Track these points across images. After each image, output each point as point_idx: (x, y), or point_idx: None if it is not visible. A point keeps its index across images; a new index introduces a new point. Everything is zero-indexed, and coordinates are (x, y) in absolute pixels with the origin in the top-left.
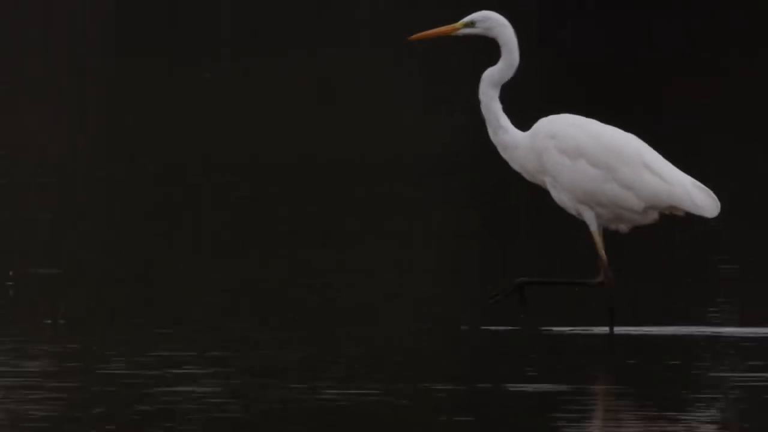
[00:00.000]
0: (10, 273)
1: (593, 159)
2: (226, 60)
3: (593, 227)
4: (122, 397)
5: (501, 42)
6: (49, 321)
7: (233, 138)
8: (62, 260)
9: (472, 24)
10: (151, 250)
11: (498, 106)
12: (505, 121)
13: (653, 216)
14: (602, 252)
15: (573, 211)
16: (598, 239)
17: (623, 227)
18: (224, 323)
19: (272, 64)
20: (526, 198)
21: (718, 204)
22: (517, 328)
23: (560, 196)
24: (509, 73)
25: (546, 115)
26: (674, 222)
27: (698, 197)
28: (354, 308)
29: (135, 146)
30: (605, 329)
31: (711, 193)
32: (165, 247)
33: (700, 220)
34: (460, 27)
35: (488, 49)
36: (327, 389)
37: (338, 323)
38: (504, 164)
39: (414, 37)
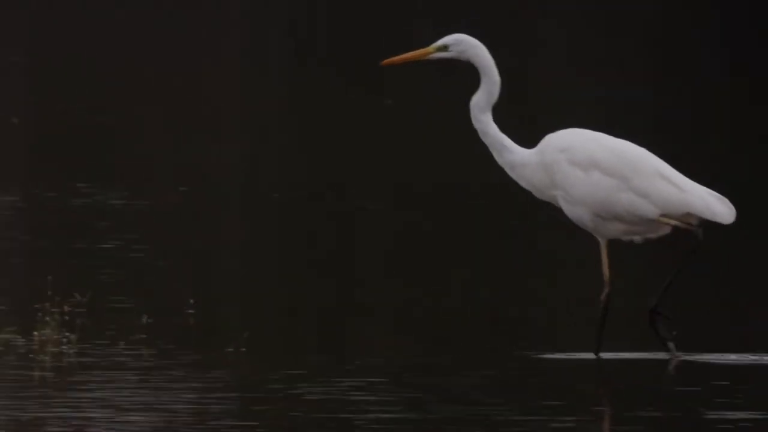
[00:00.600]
0: (191, 301)
1: (607, 169)
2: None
3: (603, 242)
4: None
5: (477, 64)
6: (231, 348)
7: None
8: (244, 286)
9: (445, 48)
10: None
11: (495, 129)
12: (507, 141)
13: (666, 228)
14: (606, 269)
15: (589, 224)
16: (605, 256)
17: (637, 238)
18: (409, 347)
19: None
20: None
21: (734, 211)
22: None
23: (573, 210)
24: (495, 93)
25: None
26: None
27: (713, 204)
28: None
29: (294, 167)
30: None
31: (726, 200)
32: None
33: (716, 226)
34: (432, 51)
35: None
36: None
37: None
38: None
39: (386, 62)
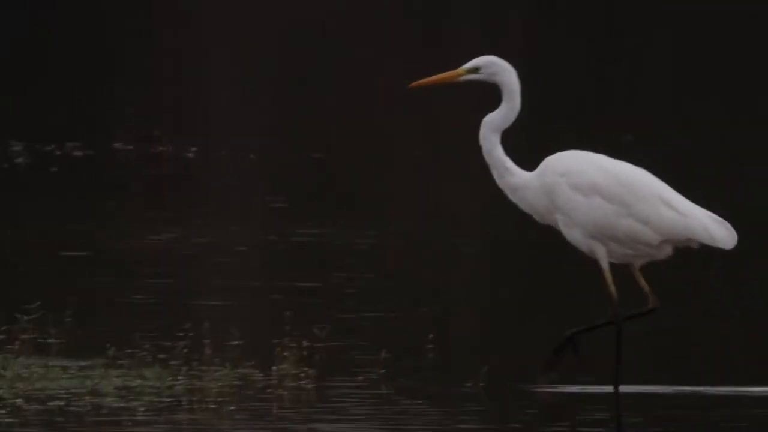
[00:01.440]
0: None
1: (608, 195)
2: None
3: (604, 264)
4: None
5: (504, 88)
6: (469, 384)
7: None
8: (482, 320)
9: (476, 70)
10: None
11: (500, 151)
12: (510, 163)
13: (668, 250)
14: (612, 289)
15: (585, 248)
16: (608, 276)
17: (638, 261)
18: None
19: None
20: None
21: (735, 236)
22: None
23: (572, 233)
24: (511, 118)
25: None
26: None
27: (714, 229)
28: None
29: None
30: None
31: (728, 224)
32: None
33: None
34: (463, 73)
35: None
36: None
37: None
38: None
39: (415, 84)
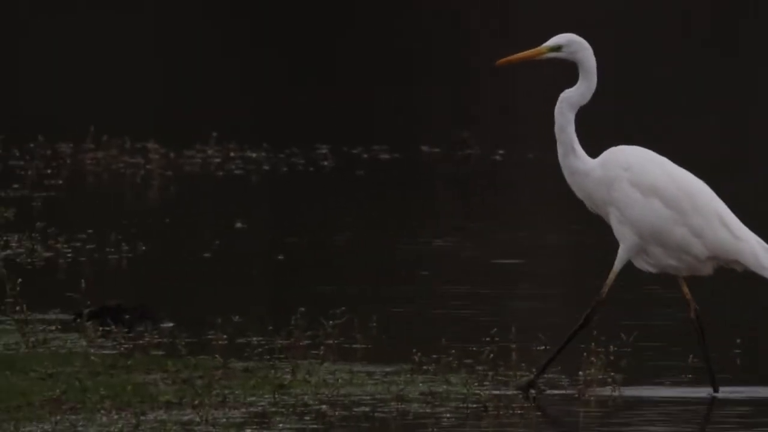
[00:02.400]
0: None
1: (667, 199)
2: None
3: (618, 267)
4: None
5: (583, 65)
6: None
7: None
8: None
9: (558, 48)
10: None
11: (572, 130)
12: (578, 145)
13: (710, 268)
14: (607, 289)
15: (627, 249)
16: (613, 279)
17: (679, 273)
18: None
19: None
20: None
21: None
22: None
23: (622, 231)
24: (588, 97)
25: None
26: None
27: (763, 257)
28: None
29: None
30: None
31: None
32: None
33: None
34: (545, 51)
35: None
36: None
37: None
38: None
39: (501, 61)
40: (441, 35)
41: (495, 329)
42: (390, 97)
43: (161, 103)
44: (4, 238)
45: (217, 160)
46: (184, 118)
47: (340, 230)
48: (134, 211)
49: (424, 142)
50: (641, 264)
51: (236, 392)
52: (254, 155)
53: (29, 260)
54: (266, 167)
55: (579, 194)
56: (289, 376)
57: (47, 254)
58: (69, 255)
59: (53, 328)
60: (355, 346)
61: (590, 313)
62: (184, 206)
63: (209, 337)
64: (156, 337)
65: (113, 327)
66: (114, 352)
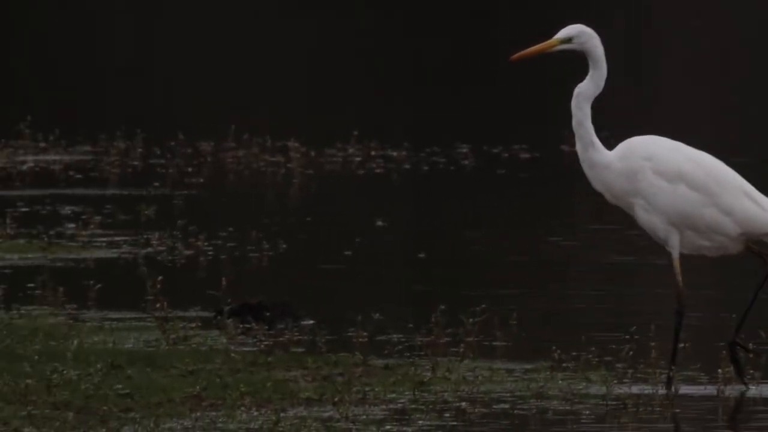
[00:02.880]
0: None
1: (694, 183)
2: None
3: (675, 253)
4: None
5: (593, 55)
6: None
7: None
8: None
9: (569, 40)
10: None
11: (590, 123)
12: (596, 139)
13: (741, 245)
14: (680, 278)
15: (661, 235)
16: (678, 266)
17: (711, 254)
18: None
19: None
20: None
21: None
22: None
23: (650, 219)
24: (601, 86)
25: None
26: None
27: None
28: None
29: None
30: None
31: None
32: None
33: None
34: (556, 43)
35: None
36: None
37: None
38: None
39: (515, 56)
40: None
41: (634, 327)
42: (529, 96)
43: (302, 101)
44: (146, 236)
45: (358, 158)
46: (325, 117)
47: (481, 228)
48: (275, 210)
49: (564, 141)
50: (673, 248)
51: (376, 389)
52: (395, 154)
53: (170, 258)
54: (407, 166)
55: (598, 187)
56: (429, 374)
57: (188, 252)
58: (210, 253)
59: (194, 325)
60: (495, 343)
61: (680, 305)
62: (324, 204)
63: (349, 334)
64: (296, 334)
65: (254, 324)
66: (254, 349)
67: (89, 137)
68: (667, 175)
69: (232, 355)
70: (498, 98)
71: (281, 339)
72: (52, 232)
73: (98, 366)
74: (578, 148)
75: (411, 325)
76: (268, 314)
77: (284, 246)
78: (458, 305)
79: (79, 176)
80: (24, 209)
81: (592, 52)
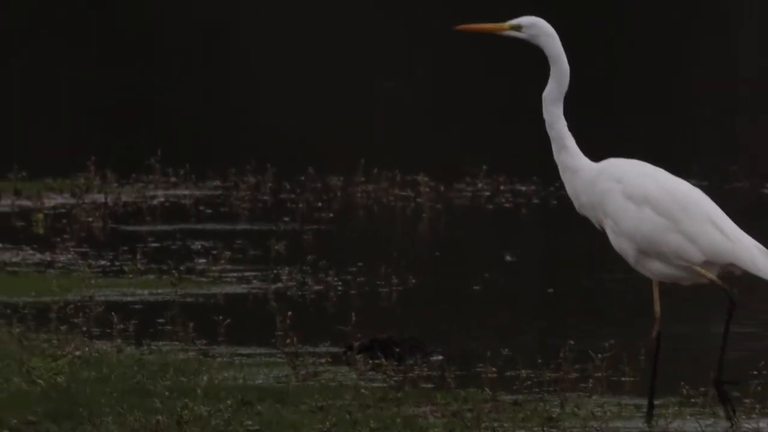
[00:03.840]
0: None
1: (659, 207)
2: None
3: (653, 278)
4: None
5: (547, 52)
6: None
7: None
8: None
9: (518, 27)
10: None
11: (562, 125)
12: (570, 141)
13: (710, 274)
14: (657, 306)
15: (631, 260)
16: (656, 292)
17: (682, 282)
18: None
19: None
20: None
21: None
22: None
23: (620, 242)
24: (564, 83)
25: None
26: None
27: (760, 260)
28: None
29: None
30: None
31: None
32: None
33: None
34: (507, 28)
35: None
36: None
37: None
38: None
39: (461, 27)
40: (713, 64)
41: (762, 362)
42: (660, 127)
43: (429, 135)
44: (276, 271)
45: (487, 193)
46: (454, 151)
47: (608, 264)
48: (404, 244)
49: (693, 173)
50: (645, 273)
51: (505, 425)
52: (524, 188)
53: (300, 293)
54: (536, 200)
55: (568, 191)
56: (557, 409)
57: (318, 287)
58: (339, 288)
59: (324, 361)
60: (623, 378)
61: (656, 333)
62: (453, 239)
63: (479, 369)
64: (426, 369)
65: (383, 360)
66: (384, 384)
67: (219, 172)
68: (634, 198)
69: (362, 390)
70: (626, 132)
71: (411, 374)
72: (182, 268)
73: (228, 402)
74: (553, 150)
75: (540, 361)
76: (397, 350)
77: (413, 281)
78: (587, 340)
79: (209, 211)
80: (154, 244)
81: (546, 49)
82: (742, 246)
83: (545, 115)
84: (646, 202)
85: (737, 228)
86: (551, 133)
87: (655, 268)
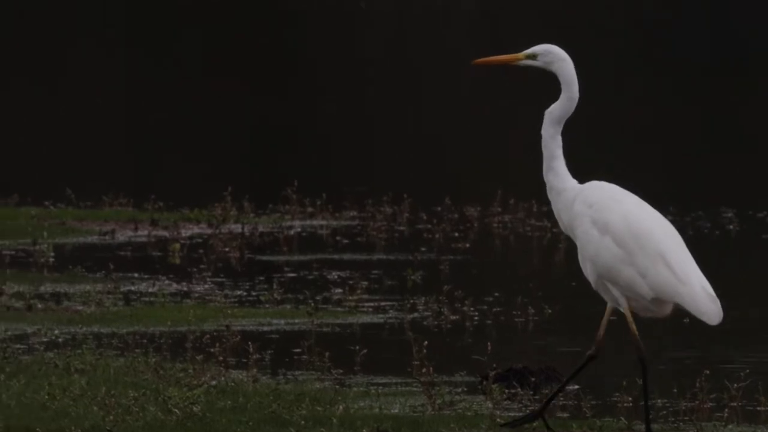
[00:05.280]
0: None
1: (617, 238)
2: None
3: (622, 303)
4: None
5: (560, 77)
6: None
7: None
8: None
9: (534, 56)
10: None
11: (556, 145)
12: (558, 162)
13: (667, 309)
14: (602, 330)
15: (593, 285)
16: (606, 316)
17: (640, 314)
18: None
19: None
20: None
21: (721, 314)
22: None
23: (584, 265)
24: (570, 108)
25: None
26: None
27: (702, 303)
28: None
29: None
30: None
31: (717, 301)
32: None
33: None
34: (522, 58)
35: None
36: None
37: None
38: None
39: (478, 61)
40: None
41: None
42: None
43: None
44: (412, 300)
45: None
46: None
47: (748, 294)
48: (540, 274)
49: None
50: (604, 297)
51: None
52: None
53: (436, 323)
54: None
55: (554, 210)
56: None
57: (454, 317)
58: (475, 318)
59: (459, 390)
60: (759, 408)
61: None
62: None
63: (614, 399)
64: (561, 399)
65: (519, 389)
66: (520, 414)
67: (356, 202)
68: (598, 226)
69: (498, 420)
70: (763, 162)
71: None
72: (318, 297)
73: (364, 431)
74: (543, 168)
75: (675, 390)
76: (533, 379)
77: (549, 311)
78: (723, 370)
79: (345, 241)
80: (291, 274)
81: (560, 74)
82: (687, 287)
83: (543, 131)
84: (607, 232)
85: (692, 268)
86: (544, 152)
87: (610, 296)
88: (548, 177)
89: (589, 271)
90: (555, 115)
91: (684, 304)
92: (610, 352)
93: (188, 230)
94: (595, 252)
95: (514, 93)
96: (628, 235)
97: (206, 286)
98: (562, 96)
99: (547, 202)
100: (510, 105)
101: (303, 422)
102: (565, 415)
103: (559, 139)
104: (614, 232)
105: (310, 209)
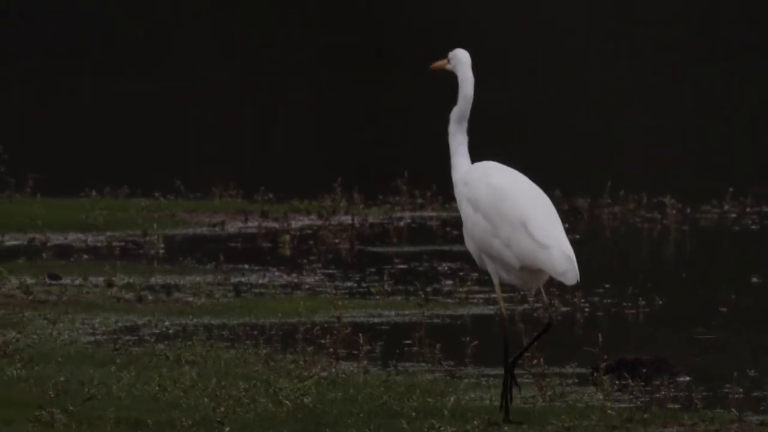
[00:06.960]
0: None
1: (485, 212)
2: None
3: (494, 280)
4: None
5: (459, 77)
6: None
7: None
8: None
9: (448, 60)
10: None
11: (456, 142)
12: (458, 158)
13: (542, 277)
14: (501, 305)
15: (477, 262)
16: (498, 291)
17: (522, 286)
18: None
19: None
20: None
21: (577, 276)
22: None
23: (467, 243)
24: (466, 108)
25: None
26: None
27: (559, 263)
28: None
29: None
30: None
31: (574, 262)
32: None
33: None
34: (445, 63)
35: None
36: None
37: None
38: None
39: (433, 66)
40: None
41: None
42: None
43: (677, 158)
44: (522, 292)
45: (734, 215)
46: (700, 173)
47: None
48: (651, 266)
49: None
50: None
51: None
52: None
53: (547, 314)
54: None
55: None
56: None
57: (565, 308)
58: (586, 309)
59: (570, 381)
60: None
61: (504, 331)
62: (699, 261)
63: (725, 390)
64: (673, 390)
65: (630, 381)
66: (630, 405)
67: None
68: (472, 203)
69: (608, 411)
70: None
71: (657, 395)
72: (428, 289)
73: (475, 423)
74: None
75: None
76: (644, 370)
77: (660, 302)
78: None
79: (455, 232)
80: (401, 266)
81: (458, 75)
82: (546, 251)
83: (448, 132)
84: (478, 207)
85: (554, 233)
86: (450, 150)
87: (491, 270)
88: (452, 174)
89: (471, 249)
90: (454, 115)
91: (544, 267)
92: (719, 344)
93: (298, 221)
94: (471, 228)
95: (622, 88)
96: (492, 208)
97: (316, 277)
98: (459, 96)
99: (657, 194)
100: (617, 99)
101: (414, 414)
102: (677, 406)
103: (460, 137)
104: (482, 207)
105: (419, 200)
